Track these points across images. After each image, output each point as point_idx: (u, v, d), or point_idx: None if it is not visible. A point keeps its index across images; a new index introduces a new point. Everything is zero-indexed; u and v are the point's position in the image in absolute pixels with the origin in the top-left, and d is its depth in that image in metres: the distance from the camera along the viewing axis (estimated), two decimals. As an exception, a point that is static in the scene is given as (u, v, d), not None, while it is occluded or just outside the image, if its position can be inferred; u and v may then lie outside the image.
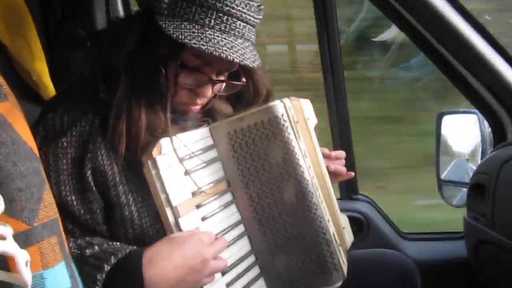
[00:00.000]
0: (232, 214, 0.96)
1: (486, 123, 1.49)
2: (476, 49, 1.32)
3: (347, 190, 1.62)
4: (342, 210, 1.18)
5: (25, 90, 1.05)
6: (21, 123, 0.66)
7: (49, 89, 1.09)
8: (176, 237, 0.83)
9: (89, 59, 0.92)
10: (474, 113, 1.51)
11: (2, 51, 1.01)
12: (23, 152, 0.62)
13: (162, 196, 0.84)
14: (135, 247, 0.83)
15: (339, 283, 0.96)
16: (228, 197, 0.96)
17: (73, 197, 0.84)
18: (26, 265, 0.54)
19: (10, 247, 0.51)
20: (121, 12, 1.34)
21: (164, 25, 0.81)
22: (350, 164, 1.57)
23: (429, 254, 1.54)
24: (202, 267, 0.82)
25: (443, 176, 1.55)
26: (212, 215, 0.91)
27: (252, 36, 0.88)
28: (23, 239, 0.58)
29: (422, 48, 1.41)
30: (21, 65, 1.03)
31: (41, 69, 1.07)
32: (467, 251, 1.33)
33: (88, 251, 0.81)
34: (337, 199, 1.57)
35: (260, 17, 0.88)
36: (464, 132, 1.60)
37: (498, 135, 1.45)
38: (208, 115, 0.99)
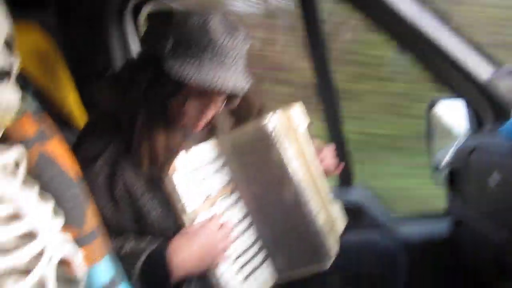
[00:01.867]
0: (239, 211, 1.14)
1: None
2: (452, 47, 1.47)
3: (343, 179, 1.76)
4: (339, 198, 1.35)
5: (61, 121, 1.24)
6: (65, 156, 0.85)
7: (80, 117, 1.28)
8: (190, 231, 1.03)
9: (110, 93, 1.11)
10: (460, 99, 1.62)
11: (40, 92, 1.19)
12: (69, 181, 0.82)
13: (179, 205, 1.04)
14: (159, 244, 1.02)
15: (327, 267, 1.14)
16: (235, 197, 1.14)
17: (108, 211, 1.04)
18: (80, 263, 0.74)
19: (71, 250, 0.71)
20: (136, 46, 1.51)
21: (169, 66, 1.00)
22: (343, 154, 1.73)
23: (422, 233, 1.67)
24: (214, 249, 1.03)
25: (444, 158, 1.67)
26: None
27: (243, 63, 1.06)
28: (77, 243, 0.78)
29: (401, 46, 1.55)
30: (55, 101, 1.22)
31: (71, 102, 1.26)
32: (450, 230, 1.48)
33: (122, 250, 1.01)
34: (334, 188, 1.75)
35: (247, 45, 1.06)
36: (457, 118, 1.73)
37: (478, 123, 1.59)
38: (213, 130, 1.19)
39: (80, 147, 1.07)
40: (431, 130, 1.68)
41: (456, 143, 1.72)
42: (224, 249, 1.05)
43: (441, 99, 1.68)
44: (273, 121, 1.10)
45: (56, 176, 0.80)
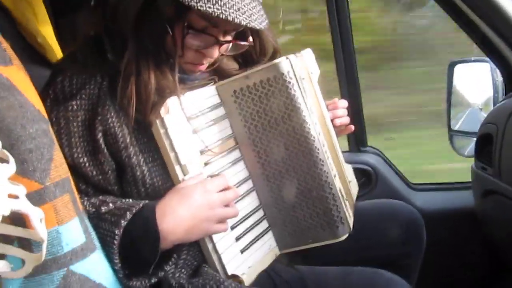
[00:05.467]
0: (240, 171, 0.97)
1: (498, 72, 1.46)
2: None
3: (356, 142, 1.61)
4: (351, 162, 1.20)
5: (32, 53, 1.05)
6: (27, 86, 0.67)
7: (56, 51, 1.09)
8: (182, 188, 0.86)
9: (94, 21, 0.92)
10: (486, 61, 1.47)
11: (6, 14, 1.00)
12: (30, 114, 0.64)
13: (171, 155, 0.86)
14: (147, 201, 0.85)
15: (345, 236, 0.98)
16: (236, 154, 0.97)
17: (85, 159, 0.86)
18: (41, 221, 0.57)
19: (23, 205, 0.54)
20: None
21: None
22: (357, 115, 1.58)
23: (437, 204, 1.54)
24: (210, 215, 0.86)
25: (456, 126, 1.54)
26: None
27: None
28: (37, 198, 0.61)
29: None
30: (25, 28, 1.02)
31: (46, 32, 1.06)
32: (474, 201, 1.33)
33: (103, 209, 0.84)
34: (346, 151, 1.61)
35: None
36: (476, 81, 1.58)
37: (510, 84, 1.43)
38: (214, 73, 1.00)
39: (55, 79, 0.87)
40: (450, 93, 1.53)
41: (470, 109, 1.60)
42: (223, 218, 0.88)
43: (463, 61, 1.54)
44: (289, 62, 0.92)
45: (15, 106, 0.62)
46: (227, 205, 0.89)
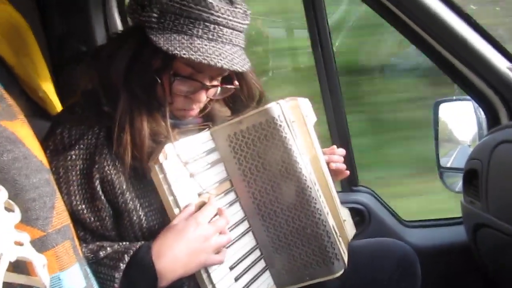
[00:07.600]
0: (236, 212, 1.00)
1: (481, 109, 1.52)
2: (466, 39, 1.35)
3: (348, 182, 1.64)
4: (343, 202, 1.23)
5: (33, 107, 1.10)
6: (30, 139, 0.71)
7: (56, 104, 1.13)
8: (175, 225, 0.88)
9: (90, 74, 0.97)
10: (469, 100, 1.53)
11: (9, 71, 1.05)
12: (34, 165, 0.67)
13: (170, 198, 0.89)
14: (143, 242, 0.88)
15: (341, 272, 1.00)
16: (231, 196, 1.00)
17: (83, 206, 0.89)
18: (44, 268, 0.59)
19: (28, 252, 0.56)
20: (119, 26, 1.38)
21: (154, 38, 0.86)
22: (348, 156, 1.61)
23: (431, 240, 1.56)
24: (206, 246, 0.88)
25: (448, 163, 1.57)
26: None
27: (241, 41, 0.93)
28: (39, 245, 0.63)
29: (411, 39, 1.43)
30: (27, 84, 1.07)
31: (46, 86, 1.11)
32: (467, 236, 1.36)
33: (101, 254, 0.86)
34: (338, 191, 1.63)
35: (247, 22, 0.93)
36: (462, 119, 1.63)
37: (492, 120, 1.48)
38: (208, 119, 1.04)
39: (55, 131, 0.91)
40: (436, 132, 1.58)
41: (460, 146, 1.64)
42: (218, 246, 0.91)
43: (446, 100, 1.59)
44: (279, 106, 0.96)
45: (20, 158, 0.65)
46: (220, 233, 0.91)
